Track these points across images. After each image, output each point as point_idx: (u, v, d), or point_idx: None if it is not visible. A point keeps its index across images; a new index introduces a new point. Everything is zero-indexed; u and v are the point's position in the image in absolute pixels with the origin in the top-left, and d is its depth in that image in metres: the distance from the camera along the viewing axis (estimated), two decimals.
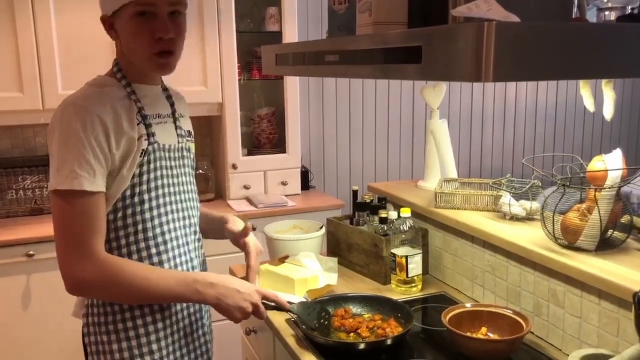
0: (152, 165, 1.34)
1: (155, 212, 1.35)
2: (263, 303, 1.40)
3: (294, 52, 1.45)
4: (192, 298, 1.33)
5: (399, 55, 0.99)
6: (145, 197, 1.33)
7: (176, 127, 1.45)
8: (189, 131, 1.52)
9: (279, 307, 1.46)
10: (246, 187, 3.15)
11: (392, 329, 1.57)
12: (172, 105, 1.46)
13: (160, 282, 1.30)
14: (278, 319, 1.70)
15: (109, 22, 1.33)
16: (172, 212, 1.40)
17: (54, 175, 1.24)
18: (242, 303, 1.35)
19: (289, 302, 1.57)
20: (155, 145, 1.35)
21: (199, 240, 1.51)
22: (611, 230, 1.51)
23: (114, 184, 1.30)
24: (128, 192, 1.31)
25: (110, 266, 1.26)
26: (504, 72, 0.82)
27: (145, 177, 1.33)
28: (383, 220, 1.97)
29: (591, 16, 1.40)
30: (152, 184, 1.35)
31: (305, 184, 3.37)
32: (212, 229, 1.65)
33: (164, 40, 1.29)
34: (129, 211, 1.32)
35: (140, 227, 1.33)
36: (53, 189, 1.24)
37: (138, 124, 1.33)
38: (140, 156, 1.32)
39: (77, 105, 1.26)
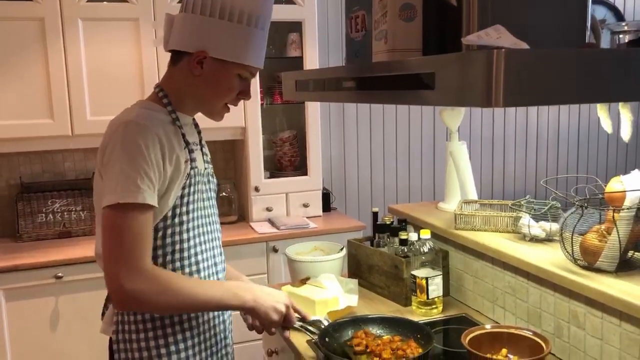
0: (192, 189, 1.41)
1: (191, 234, 1.42)
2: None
3: (313, 78, 1.49)
4: (232, 303, 1.40)
5: (414, 82, 1.03)
6: (184, 218, 1.40)
7: (203, 154, 1.52)
8: (210, 159, 1.60)
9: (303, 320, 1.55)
10: (268, 209, 3.19)
11: (413, 350, 1.57)
12: (199, 133, 1.54)
13: (205, 290, 1.36)
14: (299, 340, 1.72)
15: (201, 59, 1.38)
16: (203, 234, 1.46)
17: (113, 190, 1.27)
18: (276, 304, 1.43)
19: (313, 325, 1.62)
20: (196, 170, 1.43)
21: (223, 261, 1.57)
22: (631, 252, 1.51)
23: (161, 204, 1.35)
24: (170, 213, 1.37)
25: (159, 278, 1.30)
26: (513, 98, 0.84)
27: (185, 200, 1.40)
28: (403, 242, 1.99)
29: (605, 39, 1.42)
30: (191, 207, 1.41)
31: (327, 206, 3.40)
32: None
33: (239, 100, 1.46)
34: (169, 231, 1.38)
35: (177, 247, 1.39)
36: (115, 202, 1.27)
37: (184, 149, 1.40)
38: (185, 179, 1.39)
39: (139, 124, 1.31)
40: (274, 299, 1.44)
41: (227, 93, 1.42)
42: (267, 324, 1.44)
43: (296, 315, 1.51)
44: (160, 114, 1.40)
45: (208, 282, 1.44)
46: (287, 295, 1.51)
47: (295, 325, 1.52)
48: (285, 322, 1.46)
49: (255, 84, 3.06)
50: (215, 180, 1.56)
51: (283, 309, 1.44)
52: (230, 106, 1.48)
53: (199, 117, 1.50)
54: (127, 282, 1.27)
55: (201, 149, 1.52)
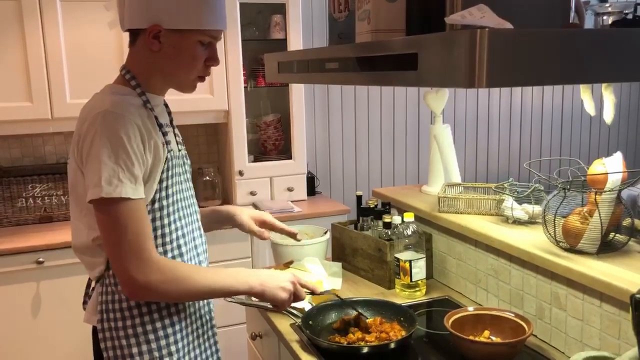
0: (170, 173, 1.39)
1: (172, 218, 1.40)
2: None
3: (295, 60, 1.47)
4: (240, 288, 1.41)
5: (396, 63, 1.01)
6: (164, 203, 1.38)
7: (175, 135, 1.49)
8: (182, 139, 1.57)
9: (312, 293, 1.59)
10: (252, 194, 3.18)
11: (396, 332, 1.58)
12: (169, 114, 1.51)
13: (214, 277, 1.37)
14: (283, 324, 1.71)
15: (157, 32, 1.33)
16: (183, 217, 1.45)
17: (97, 183, 1.24)
18: (283, 284, 1.46)
19: (296, 309, 1.62)
20: (172, 153, 1.40)
21: (205, 242, 1.56)
22: (613, 233, 1.52)
23: (144, 192, 1.32)
24: (150, 199, 1.35)
25: (167, 267, 1.30)
26: (497, 78, 0.83)
27: (164, 184, 1.37)
28: (387, 225, 1.99)
29: (589, 21, 1.42)
30: (170, 191, 1.39)
31: (312, 190, 3.39)
32: (216, 219, 1.74)
33: (209, 67, 1.42)
34: (150, 217, 1.36)
35: (159, 232, 1.38)
36: (98, 197, 1.24)
37: (158, 132, 1.37)
38: (163, 164, 1.37)
39: (117, 114, 1.28)
40: (279, 279, 1.46)
41: (192, 64, 1.38)
42: (279, 304, 1.47)
43: (305, 290, 1.53)
44: (132, 98, 1.36)
45: (215, 269, 1.44)
46: (292, 274, 1.53)
47: (305, 299, 1.56)
48: (295, 299, 1.49)
49: (239, 67, 3.02)
50: (189, 161, 1.54)
51: (290, 286, 1.46)
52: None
53: (182, 100, 1.47)
54: (139, 274, 1.27)
55: (173, 130, 1.49)
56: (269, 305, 1.53)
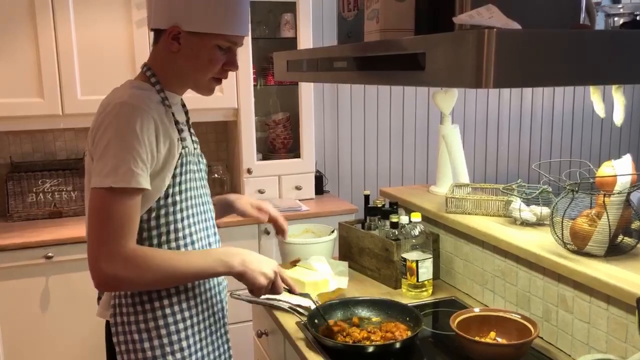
0: (184, 169, 1.40)
1: (184, 214, 1.41)
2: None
3: (304, 58, 1.47)
4: (218, 269, 1.37)
5: (404, 62, 1.01)
6: (177, 198, 1.39)
7: (191, 134, 1.50)
8: (197, 140, 1.58)
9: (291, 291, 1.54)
10: (261, 192, 3.18)
11: (401, 332, 1.58)
12: (186, 113, 1.53)
13: (189, 260, 1.35)
14: (289, 322, 1.72)
15: (176, 34, 1.35)
16: (197, 213, 1.46)
17: (107, 173, 1.25)
18: (265, 270, 1.42)
19: (302, 307, 1.62)
20: (187, 150, 1.42)
21: (218, 241, 1.56)
22: (621, 236, 1.51)
23: (154, 185, 1.34)
24: (162, 194, 1.37)
25: (139, 258, 1.28)
26: (504, 78, 0.83)
27: (177, 179, 1.39)
28: (394, 225, 1.98)
29: (600, 21, 1.41)
30: (183, 187, 1.40)
31: (320, 189, 3.39)
32: (220, 209, 1.73)
33: (226, 71, 1.42)
34: (162, 212, 1.37)
35: (172, 227, 1.39)
36: (107, 186, 1.25)
37: (174, 128, 1.39)
38: (177, 159, 1.38)
39: (133, 105, 1.29)
40: (262, 264, 1.43)
41: (208, 67, 1.39)
42: (255, 289, 1.42)
43: (284, 286, 1.49)
44: (151, 94, 1.38)
45: (192, 252, 1.41)
46: (276, 263, 1.49)
47: (281, 294, 1.51)
48: (272, 289, 1.46)
49: (249, 65, 3.03)
50: (204, 160, 1.55)
51: (272, 274, 1.43)
52: (224, 83, 1.45)
53: (192, 98, 1.48)
54: (107, 266, 1.26)
55: (189, 129, 1.51)
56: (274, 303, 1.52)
